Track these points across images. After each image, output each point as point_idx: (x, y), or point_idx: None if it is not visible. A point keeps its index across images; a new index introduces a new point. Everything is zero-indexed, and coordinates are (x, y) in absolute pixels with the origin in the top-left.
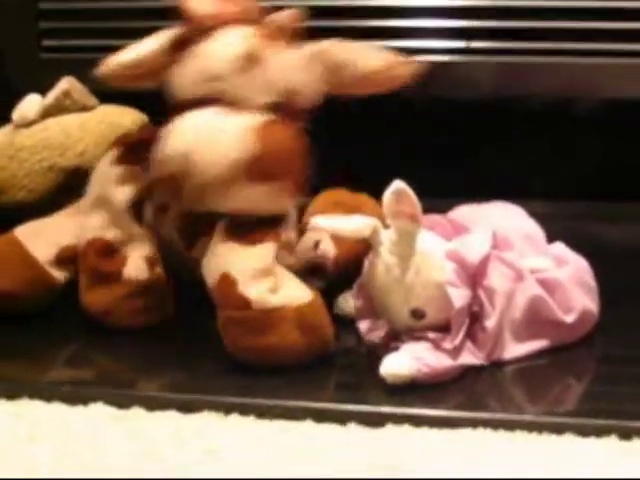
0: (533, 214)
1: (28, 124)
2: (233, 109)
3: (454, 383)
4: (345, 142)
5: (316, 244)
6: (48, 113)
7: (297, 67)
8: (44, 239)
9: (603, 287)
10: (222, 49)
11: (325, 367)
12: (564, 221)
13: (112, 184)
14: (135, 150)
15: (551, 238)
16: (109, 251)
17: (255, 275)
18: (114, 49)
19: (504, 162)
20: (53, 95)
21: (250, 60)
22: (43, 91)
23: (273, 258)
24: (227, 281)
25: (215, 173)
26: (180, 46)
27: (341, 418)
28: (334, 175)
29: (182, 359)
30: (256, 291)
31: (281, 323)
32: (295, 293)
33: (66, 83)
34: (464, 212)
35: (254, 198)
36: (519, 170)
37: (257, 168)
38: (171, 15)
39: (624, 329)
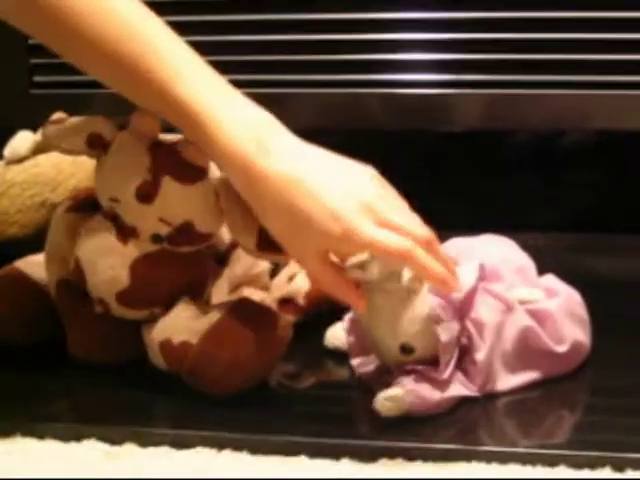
0: (525, 246)
1: (19, 160)
2: (125, 234)
3: (447, 416)
4: None
5: (290, 278)
6: (39, 149)
7: (193, 200)
8: (43, 271)
9: (595, 319)
10: (123, 177)
11: (317, 401)
12: (556, 253)
13: (62, 231)
14: (89, 200)
15: (543, 270)
16: (79, 291)
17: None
18: (104, 85)
19: (495, 195)
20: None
21: (144, 195)
22: (34, 127)
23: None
24: (166, 346)
25: (97, 295)
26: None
27: (334, 453)
28: None
29: (171, 394)
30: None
31: (221, 337)
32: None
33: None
34: (454, 245)
35: (131, 317)
36: (511, 202)
37: (125, 298)
38: None
39: (616, 361)
